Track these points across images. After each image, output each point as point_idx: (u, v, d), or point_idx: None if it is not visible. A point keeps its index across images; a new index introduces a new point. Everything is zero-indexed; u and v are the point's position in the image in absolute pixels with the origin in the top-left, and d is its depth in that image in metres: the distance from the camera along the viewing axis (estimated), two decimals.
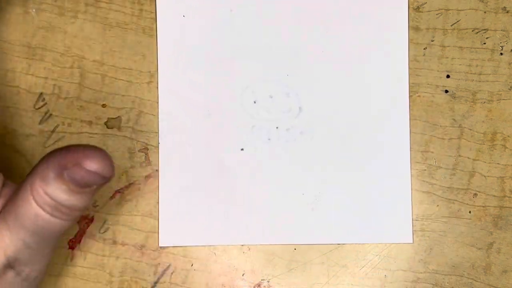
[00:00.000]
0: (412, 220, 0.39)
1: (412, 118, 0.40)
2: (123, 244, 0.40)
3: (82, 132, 0.41)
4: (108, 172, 0.31)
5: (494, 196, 0.39)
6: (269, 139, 0.40)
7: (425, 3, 0.40)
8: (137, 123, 0.40)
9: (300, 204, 0.40)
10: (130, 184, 0.40)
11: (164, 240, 0.40)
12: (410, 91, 0.40)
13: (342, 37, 0.40)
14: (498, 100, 0.39)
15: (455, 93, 0.39)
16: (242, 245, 0.40)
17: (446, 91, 0.40)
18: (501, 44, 0.39)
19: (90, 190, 0.31)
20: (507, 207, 0.39)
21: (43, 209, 0.31)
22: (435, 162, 0.39)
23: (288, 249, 0.40)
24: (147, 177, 0.40)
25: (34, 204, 0.31)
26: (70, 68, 0.41)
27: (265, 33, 0.40)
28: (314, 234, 0.40)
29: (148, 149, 0.40)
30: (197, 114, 0.40)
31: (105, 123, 0.40)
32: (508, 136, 0.39)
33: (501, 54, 0.39)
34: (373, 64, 0.40)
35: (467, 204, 0.39)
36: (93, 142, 0.40)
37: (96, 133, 0.40)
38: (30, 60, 0.41)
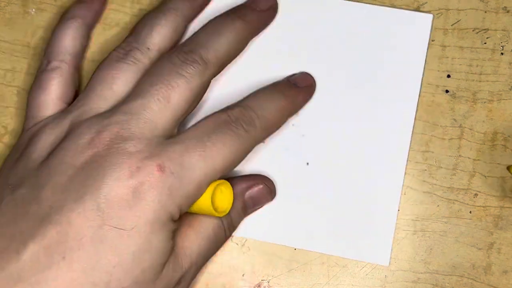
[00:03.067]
0: (392, 243, 0.39)
1: None
2: None
3: None
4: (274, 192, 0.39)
5: (495, 196, 0.39)
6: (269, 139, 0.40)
7: (425, 3, 0.40)
8: None
9: (297, 207, 0.40)
10: None
11: None
12: None
13: (350, 49, 0.40)
14: (498, 100, 0.39)
15: (455, 93, 0.39)
16: (243, 245, 0.40)
17: (447, 91, 0.40)
18: (502, 44, 0.39)
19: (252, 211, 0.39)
20: (507, 207, 0.39)
21: (222, 223, 0.36)
22: (435, 162, 0.39)
23: (288, 249, 0.40)
24: None
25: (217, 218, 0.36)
26: None
27: (267, 39, 0.40)
28: (309, 239, 0.39)
29: None
30: (197, 114, 0.40)
31: None
32: (509, 136, 0.39)
33: (502, 54, 0.39)
34: (385, 76, 0.40)
35: (468, 204, 0.39)
36: None
37: None
38: (30, 60, 0.41)
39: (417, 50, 0.39)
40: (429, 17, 0.39)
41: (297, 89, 0.38)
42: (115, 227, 0.31)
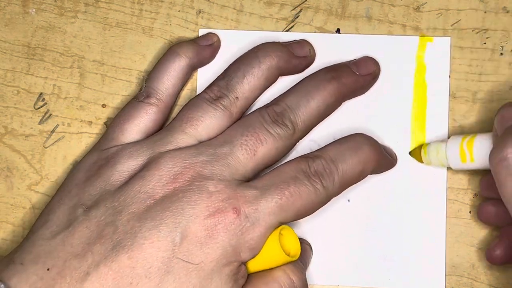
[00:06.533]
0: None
1: None
2: None
3: (82, 132, 0.41)
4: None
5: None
6: None
7: (425, 3, 0.40)
8: None
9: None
10: None
11: None
12: None
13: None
14: (498, 100, 0.39)
15: (455, 93, 0.39)
16: None
17: None
18: (501, 44, 0.39)
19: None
20: None
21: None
22: None
23: None
24: None
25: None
26: (70, 68, 0.41)
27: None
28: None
29: None
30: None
31: (105, 123, 0.40)
32: None
33: (501, 54, 0.39)
34: None
35: (467, 204, 0.39)
36: (93, 142, 0.40)
37: (96, 133, 0.40)
38: (30, 60, 0.41)
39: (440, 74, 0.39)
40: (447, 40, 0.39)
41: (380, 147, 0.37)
42: (183, 260, 0.32)
